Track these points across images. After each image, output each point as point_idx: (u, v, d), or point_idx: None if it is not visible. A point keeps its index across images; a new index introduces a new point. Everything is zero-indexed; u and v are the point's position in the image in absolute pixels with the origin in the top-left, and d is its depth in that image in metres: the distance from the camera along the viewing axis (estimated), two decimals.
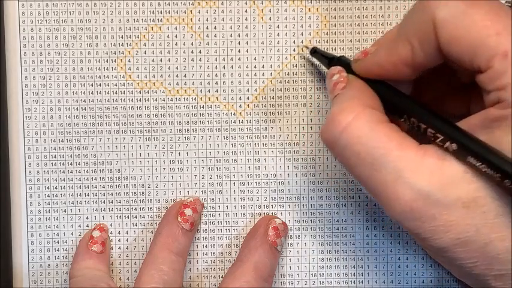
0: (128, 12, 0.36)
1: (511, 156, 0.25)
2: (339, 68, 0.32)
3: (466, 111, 0.29)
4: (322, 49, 0.35)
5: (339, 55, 0.34)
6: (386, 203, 0.28)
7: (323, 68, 0.36)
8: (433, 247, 0.28)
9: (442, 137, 0.27)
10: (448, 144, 0.27)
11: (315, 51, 0.35)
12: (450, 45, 0.26)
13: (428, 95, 0.32)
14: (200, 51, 0.36)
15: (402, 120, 0.29)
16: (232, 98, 0.36)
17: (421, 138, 0.28)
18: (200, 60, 0.36)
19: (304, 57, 0.36)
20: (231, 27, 0.36)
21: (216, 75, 0.36)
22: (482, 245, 0.27)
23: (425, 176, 0.27)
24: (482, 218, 0.26)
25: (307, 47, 0.36)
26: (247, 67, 0.36)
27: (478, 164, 0.26)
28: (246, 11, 0.36)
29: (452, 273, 0.30)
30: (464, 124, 0.27)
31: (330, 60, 0.34)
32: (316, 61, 0.36)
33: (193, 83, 0.36)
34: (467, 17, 0.26)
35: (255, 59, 0.36)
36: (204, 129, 0.36)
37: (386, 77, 0.30)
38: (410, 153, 0.27)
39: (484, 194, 0.26)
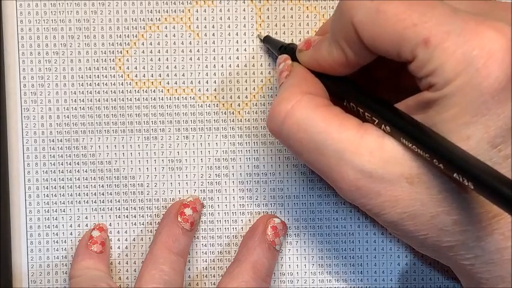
0: (126, 11, 0.36)
1: (441, 136, 0.26)
2: (284, 56, 0.32)
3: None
4: None
5: (287, 42, 0.34)
6: (334, 185, 0.28)
7: None
8: (385, 222, 0.29)
9: (377, 120, 0.28)
10: (383, 126, 0.27)
11: (267, 40, 0.35)
12: (374, 44, 0.26)
13: (383, 71, 0.32)
14: (198, 50, 0.36)
15: (345, 104, 0.30)
16: (231, 97, 0.36)
17: (364, 121, 0.29)
18: (198, 59, 0.36)
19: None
20: (229, 26, 0.36)
21: (215, 74, 0.36)
22: (429, 218, 0.27)
23: (366, 155, 0.27)
24: (427, 194, 0.27)
25: (259, 37, 0.36)
26: (246, 66, 0.36)
27: (410, 144, 0.26)
28: (244, 10, 0.36)
29: (413, 246, 0.31)
30: (401, 105, 0.28)
31: (280, 48, 0.34)
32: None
33: (191, 82, 0.36)
34: (381, 15, 0.26)
35: (253, 57, 0.36)
36: (202, 128, 0.36)
37: (326, 73, 0.30)
38: (349, 133, 0.27)
39: (426, 171, 0.27)
